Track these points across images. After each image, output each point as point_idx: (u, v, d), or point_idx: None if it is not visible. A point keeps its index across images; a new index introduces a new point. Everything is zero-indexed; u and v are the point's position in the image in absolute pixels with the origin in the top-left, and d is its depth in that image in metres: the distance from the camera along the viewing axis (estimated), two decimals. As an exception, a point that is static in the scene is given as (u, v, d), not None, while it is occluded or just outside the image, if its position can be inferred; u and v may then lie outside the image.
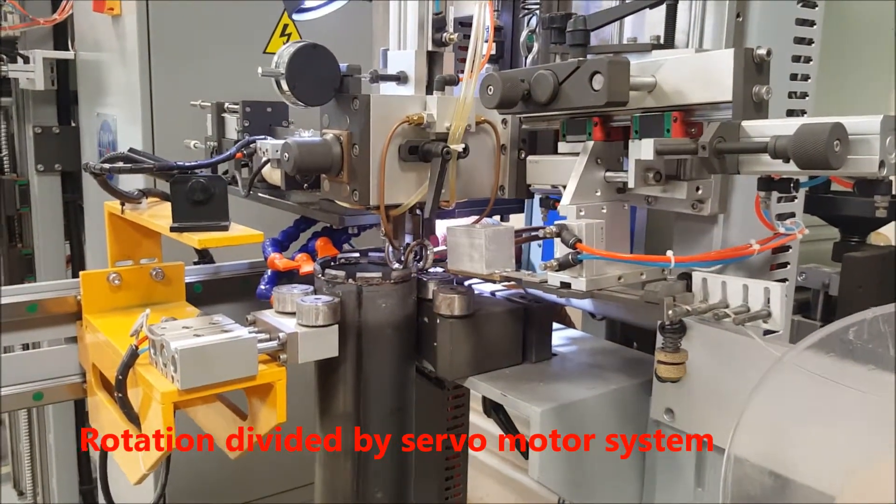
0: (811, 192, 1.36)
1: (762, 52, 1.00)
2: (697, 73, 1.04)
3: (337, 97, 1.26)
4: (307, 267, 1.42)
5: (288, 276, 1.46)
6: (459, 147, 1.24)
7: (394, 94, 1.35)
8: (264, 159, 1.41)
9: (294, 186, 1.41)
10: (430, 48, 1.33)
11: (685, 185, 1.15)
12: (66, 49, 2.88)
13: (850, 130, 0.87)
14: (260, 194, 1.56)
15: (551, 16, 1.25)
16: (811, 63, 1.24)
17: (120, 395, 1.23)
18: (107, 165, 1.31)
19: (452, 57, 1.36)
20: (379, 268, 1.37)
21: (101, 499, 1.62)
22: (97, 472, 1.62)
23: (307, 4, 1.63)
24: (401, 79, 1.34)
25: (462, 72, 1.25)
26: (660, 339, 1.17)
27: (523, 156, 1.37)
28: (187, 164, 1.34)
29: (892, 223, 1.61)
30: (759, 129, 0.96)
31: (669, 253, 1.08)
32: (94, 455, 2.92)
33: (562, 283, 1.12)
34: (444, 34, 1.31)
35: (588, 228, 1.09)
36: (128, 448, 1.30)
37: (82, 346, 1.48)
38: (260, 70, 1.23)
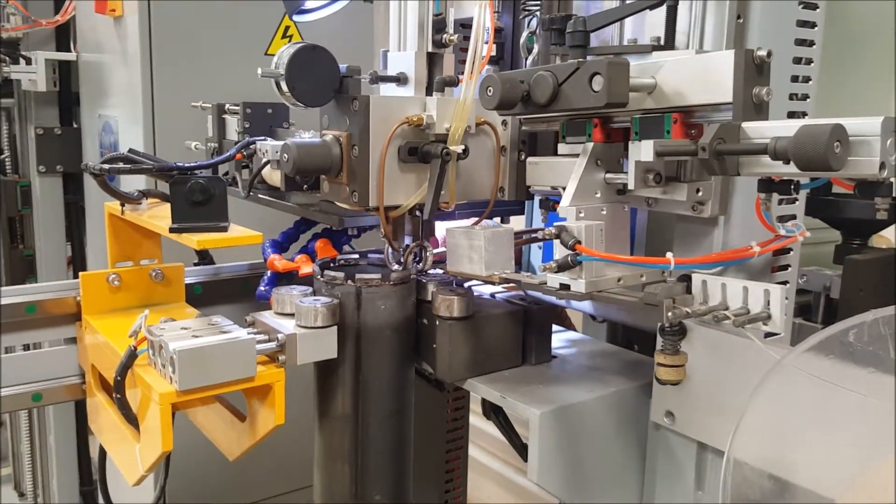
0: (812, 195, 1.36)
1: (762, 53, 0.99)
2: (697, 74, 1.04)
3: (336, 98, 1.26)
4: (306, 268, 1.42)
5: (288, 278, 1.46)
6: (459, 148, 1.24)
7: (393, 96, 1.34)
8: (264, 160, 1.41)
9: (294, 188, 1.41)
10: (430, 49, 1.33)
11: (685, 186, 1.15)
12: (69, 50, 2.89)
13: (850, 132, 0.87)
14: (260, 195, 1.56)
15: (551, 17, 1.24)
16: (812, 65, 1.24)
17: (118, 396, 1.22)
18: (106, 166, 1.31)
19: (453, 58, 1.36)
20: (378, 269, 1.37)
21: (101, 500, 1.61)
22: (98, 474, 1.62)
23: (307, 6, 1.63)
24: (401, 80, 1.34)
25: (462, 73, 1.24)
26: (659, 341, 1.16)
27: (523, 157, 1.37)
28: (186, 164, 1.34)
29: (895, 226, 1.60)
30: (759, 130, 0.95)
31: (669, 255, 1.08)
32: (95, 456, 2.92)
33: (561, 284, 1.11)
34: (444, 35, 1.31)
35: (587, 230, 1.09)
36: (126, 449, 1.30)
37: (81, 347, 1.48)
38: (259, 71, 1.23)
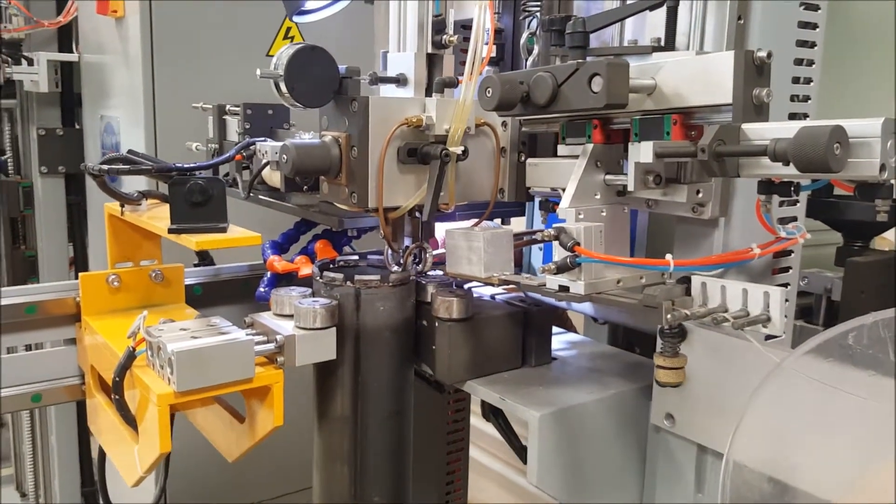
0: (814, 196, 1.35)
1: (762, 54, 0.99)
2: (697, 75, 1.04)
3: (336, 99, 1.26)
4: (306, 269, 1.41)
5: (288, 279, 1.46)
6: (458, 149, 1.24)
7: (393, 97, 1.34)
8: (264, 161, 1.41)
9: (293, 188, 1.40)
10: (429, 50, 1.33)
11: (685, 188, 1.14)
12: (71, 51, 2.89)
13: (850, 133, 0.86)
14: (260, 196, 1.56)
15: (551, 18, 1.24)
16: (814, 66, 1.23)
17: (117, 397, 1.22)
18: (104, 167, 1.31)
19: (452, 59, 1.36)
20: (377, 270, 1.36)
21: (101, 501, 1.61)
22: (97, 475, 1.62)
23: (307, 6, 1.63)
24: (400, 81, 1.34)
25: (462, 74, 1.24)
26: (659, 343, 1.16)
27: (523, 158, 1.36)
28: (185, 165, 1.34)
29: (896, 228, 1.60)
30: (759, 131, 0.95)
31: (668, 256, 1.07)
32: (96, 457, 2.92)
33: (560, 286, 1.11)
34: (444, 36, 1.31)
35: (587, 231, 1.09)
36: (125, 450, 1.30)
37: (81, 348, 1.48)
38: (258, 72, 1.23)
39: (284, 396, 1.21)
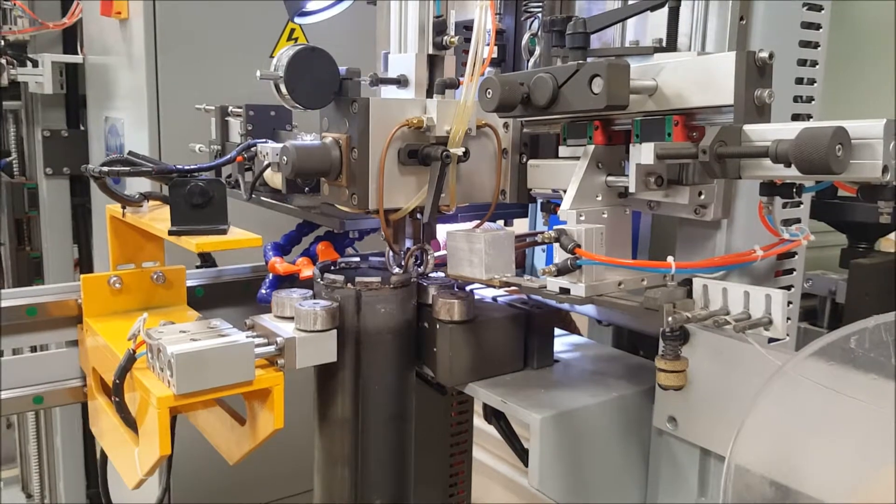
0: (818, 198, 1.34)
1: (764, 55, 0.98)
2: (699, 76, 1.03)
3: (336, 100, 1.25)
4: (307, 271, 1.41)
5: (290, 281, 1.45)
6: (459, 151, 1.23)
7: (393, 98, 1.34)
8: (265, 163, 1.41)
9: (295, 190, 1.40)
10: (430, 51, 1.32)
11: (687, 189, 1.14)
12: (75, 53, 2.90)
13: (852, 135, 0.85)
14: (262, 198, 1.56)
15: (552, 19, 1.24)
16: (817, 67, 1.22)
17: (117, 399, 1.22)
18: (105, 169, 1.31)
19: (454, 60, 1.35)
20: (378, 272, 1.36)
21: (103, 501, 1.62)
22: (99, 476, 1.62)
23: (309, 7, 1.62)
24: (401, 82, 1.33)
25: (463, 75, 1.24)
26: (660, 346, 1.15)
27: (525, 160, 1.36)
28: (186, 167, 1.34)
29: (901, 229, 1.58)
30: (760, 133, 0.94)
31: (670, 259, 1.07)
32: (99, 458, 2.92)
33: (561, 288, 1.10)
34: (445, 37, 1.31)
35: (587, 233, 1.08)
36: (126, 452, 1.30)
37: (83, 350, 1.48)
38: (258, 73, 1.23)
39: (285, 399, 1.21)
